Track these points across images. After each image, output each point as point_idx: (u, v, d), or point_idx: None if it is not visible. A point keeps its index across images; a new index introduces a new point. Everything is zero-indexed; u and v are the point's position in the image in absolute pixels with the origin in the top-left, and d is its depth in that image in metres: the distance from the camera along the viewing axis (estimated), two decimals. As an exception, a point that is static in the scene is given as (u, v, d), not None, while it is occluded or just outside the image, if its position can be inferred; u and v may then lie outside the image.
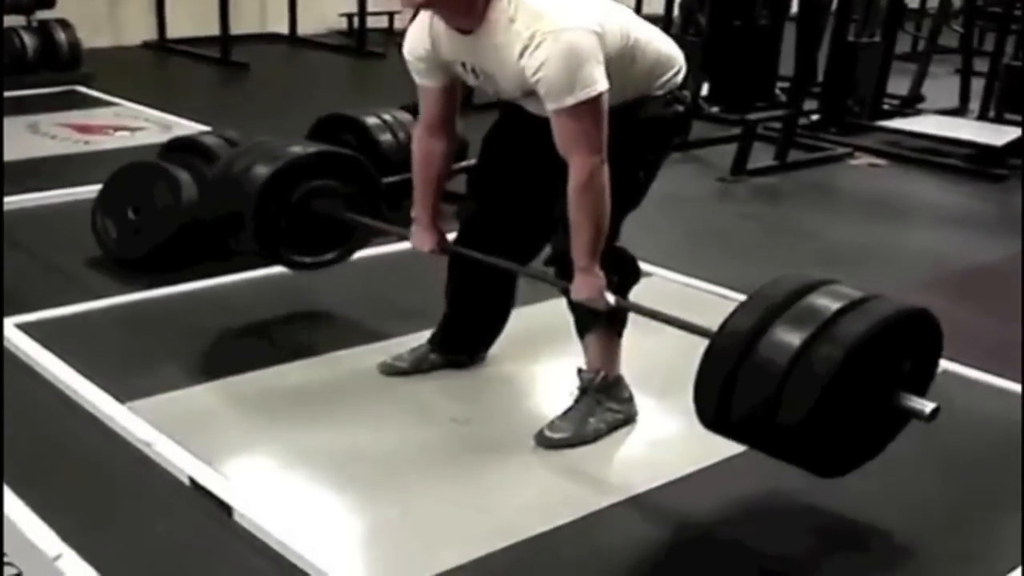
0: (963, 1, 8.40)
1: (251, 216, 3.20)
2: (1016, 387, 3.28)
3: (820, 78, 6.93)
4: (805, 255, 4.56)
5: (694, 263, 4.17)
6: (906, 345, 2.28)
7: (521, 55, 2.40)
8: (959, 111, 7.56)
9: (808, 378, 2.12)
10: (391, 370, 3.16)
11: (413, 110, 4.70)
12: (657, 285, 3.82)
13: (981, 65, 7.55)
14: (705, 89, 6.72)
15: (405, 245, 4.13)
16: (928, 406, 2.26)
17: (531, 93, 2.49)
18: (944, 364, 3.35)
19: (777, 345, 2.16)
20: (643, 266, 3.84)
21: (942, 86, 7.87)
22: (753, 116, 5.97)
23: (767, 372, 2.15)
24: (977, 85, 7.42)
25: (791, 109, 6.19)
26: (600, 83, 2.42)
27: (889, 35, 7.00)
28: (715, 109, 6.74)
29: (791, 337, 2.16)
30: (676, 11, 8.25)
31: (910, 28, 9.57)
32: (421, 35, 2.65)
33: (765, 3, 7.30)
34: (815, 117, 6.77)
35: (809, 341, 2.14)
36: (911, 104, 7.46)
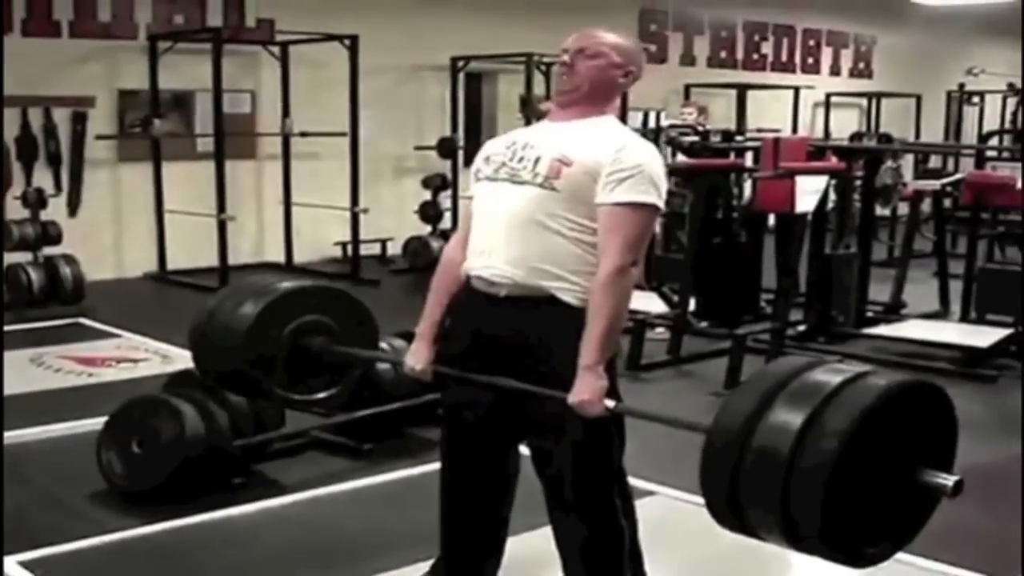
0: (932, 208, 8.70)
1: (241, 356, 3.15)
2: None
3: (802, 289, 7.12)
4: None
5: (697, 480, 4.17)
6: (914, 420, 2.17)
7: (617, 148, 2.58)
8: (941, 314, 7.71)
9: (813, 467, 2.01)
10: None
11: (409, 337, 4.85)
12: (661, 503, 3.85)
13: (957, 268, 7.77)
14: (692, 304, 6.88)
15: (404, 474, 4.25)
16: (950, 480, 2.14)
17: (554, 178, 2.58)
18: (949, 570, 3.40)
19: (775, 432, 2.07)
20: (645, 485, 3.95)
21: (921, 290, 8.05)
22: (742, 330, 6.12)
23: (770, 464, 2.06)
24: (955, 287, 7.60)
25: (777, 321, 6.35)
26: (660, 201, 2.61)
27: (864, 245, 7.24)
28: (703, 324, 6.89)
29: (789, 421, 2.06)
30: (658, 229, 8.56)
31: (883, 236, 9.88)
32: (504, 137, 2.81)
33: (743, 220, 7.59)
34: (801, 328, 6.92)
35: (809, 422, 2.03)
36: (894, 310, 7.62)
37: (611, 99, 2.75)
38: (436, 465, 4.33)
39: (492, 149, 2.79)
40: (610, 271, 2.54)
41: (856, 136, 12.57)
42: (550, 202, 2.59)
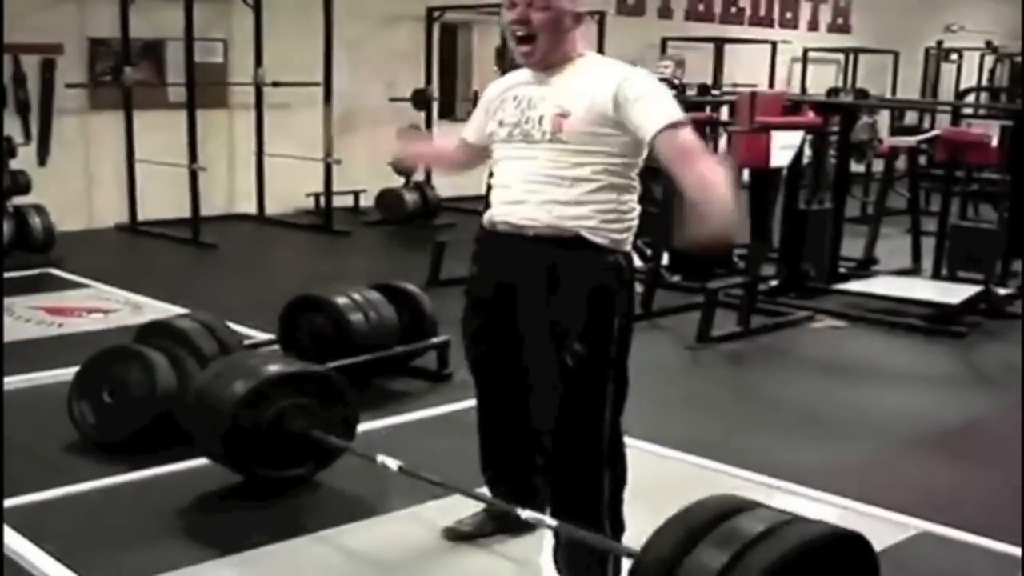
0: (907, 165, 8.72)
1: (223, 435, 3.40)
2: (1008, 549, 3.31)
3: (775, 244, 7.13)
4: (780, 421, 4.63)
5: (672, 433, 4.22)
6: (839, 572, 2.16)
7: (617, 87, 2.68)
8: (913, 271, 7.75)
9: None
10: (454, 535, 3.23)
11: (382, 288, 4.84)
12: (636, 457, 3.84)
13: (929, 225, 7.81)
14: (665, 259, 6.88)
15: (368, 427, 4.21)
16: None
17: (559, 132, 2.71)
18: (934, 528, 3.43)
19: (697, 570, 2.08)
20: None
21: (894, 247, 8.09)
22: (714, 284, 6.12)
23: None
24: (928, 244, 7.64)
25: (750, 276, 6.35)
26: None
27: (838, 201, 7.24)
28: (676, 278, 6.89)
29: (710, 563, 2.07)
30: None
31: (858, 192, 9.90)
32: (505, 89, 2.93)
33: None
34: (774, 283, 6.93)
35: (730, 565, 2.05)
36: (866, 266, 7.65)
37: (573, 37, 2.82)
38: (402, 418, 4.40)
39: (504, 115, 2.85)
40: (706, 169, 2.63)
41: (832, 92, 12.58)
42: (562, 154, 2.72)
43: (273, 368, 3.58)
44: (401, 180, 9.79)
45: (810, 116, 7.19)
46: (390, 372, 4.78)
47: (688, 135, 2.68)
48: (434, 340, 4.90)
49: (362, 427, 3.78)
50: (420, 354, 4.90)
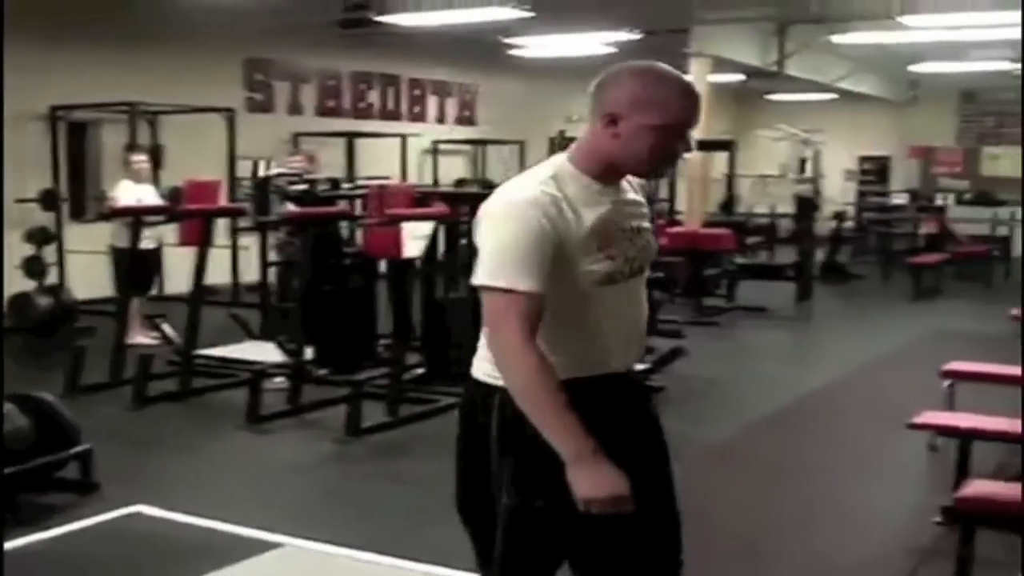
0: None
1: None
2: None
3: (418, 333, 7.35)
4: (439, 508, 4.73)
5: (328, 528, 4.24)
6: None
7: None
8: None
9: None
10: None
11: (14, 398, 4.65)
12: (293, 556, 3.86)
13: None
14: (310, 353, 6.94)
15: (17, 544, 4.02)
16: None
17: (656, 254, 2.52)
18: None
19: None
20: (273, 537, 3.97)
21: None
22: (360, 376, 6.26)
23: None
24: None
25: (395, 366, 6.53)
26: None
27: (473, 288, 7.53)
28: (323, 371, 6.96)
29: None
30: (272, 279, 8.61)
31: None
32: (565, 209, 2.31)
33: (355, 267, 7.75)
34: (420, 371, 7.08)
35: None
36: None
37: None
38: (51, 532, 4.23)
39: (625, 249, 2.38)
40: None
41: (460, 182, 13.16)
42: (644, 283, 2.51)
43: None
44: (33, 283, 9.36)
45: (439, 207, 7.53)
46: (34, 486, 4.59)
47: None
48: (76, 449, 4.76)
49: (11, 544, 3.64)
50: (63, 465, 4.75)
